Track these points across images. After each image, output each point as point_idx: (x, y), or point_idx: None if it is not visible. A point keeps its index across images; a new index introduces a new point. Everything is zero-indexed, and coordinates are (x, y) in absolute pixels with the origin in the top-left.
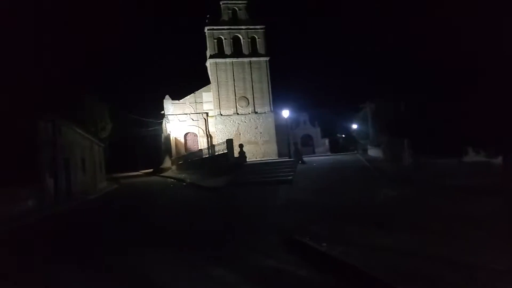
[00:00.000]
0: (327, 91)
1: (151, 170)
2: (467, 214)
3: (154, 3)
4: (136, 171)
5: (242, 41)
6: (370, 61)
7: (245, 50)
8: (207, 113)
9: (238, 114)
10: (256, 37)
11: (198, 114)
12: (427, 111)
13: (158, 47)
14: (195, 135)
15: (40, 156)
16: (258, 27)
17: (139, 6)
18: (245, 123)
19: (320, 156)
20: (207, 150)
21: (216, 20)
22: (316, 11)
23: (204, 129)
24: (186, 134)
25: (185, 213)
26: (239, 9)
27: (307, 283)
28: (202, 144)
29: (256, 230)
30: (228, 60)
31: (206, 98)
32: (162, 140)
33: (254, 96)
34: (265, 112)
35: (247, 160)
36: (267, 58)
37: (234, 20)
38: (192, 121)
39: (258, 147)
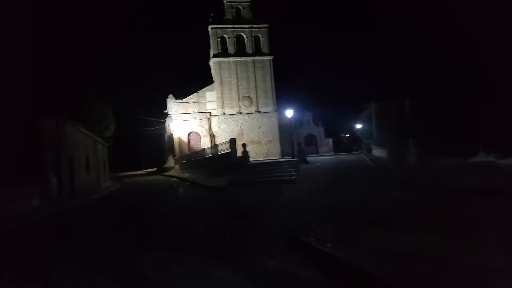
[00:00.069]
0: (331, 90)
1: (155, 169)
2: (474, 216)
3: (157, 2)
4: (139, 170)
5: (245, 40)
6: (374, 60)
7: (249, 49)
8: (210, 113)
9: (241, 113)
10: (260, 36)
11: (201, 114)
12: (432, 111)
13: (161, 46)
14: (198, 134)
15: (44, 156)
16: (262, 26)
17: (142, 5)
18: (248, 123)
19: (324, 156)
20: (210, 150)
21: (219, 19)
22: (319, 10)
23: (207, 128)
24: (189, 134)
25: (187, 213)
26: (243, 8)
27: (311, 284)
28: (205, 143)
29: (260, 231)
30: (231, 59)
31: (210, 98)
32: (165, 139)
33: (258, 95)
34: (268, 112)
35: (250, 159)
36: (271, 57)
37: (238, 19)
38: (195, 121)
39: (262, 147)
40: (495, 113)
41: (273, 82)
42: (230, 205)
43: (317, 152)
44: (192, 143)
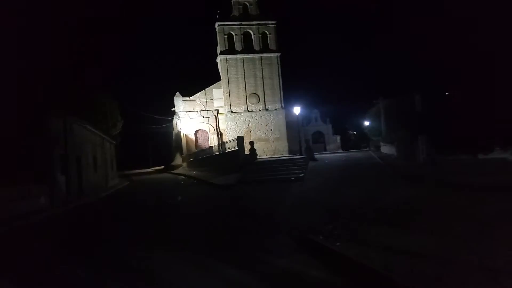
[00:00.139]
0: (339, 87)
1: (162, 167)
2: (485, 214)
3: (165, 1)
4: (147, 168)
5: (253, 36)
6: (382, 56)
7: (256, 46)
8: (217, 110)
9: (248, 111)
10: (267, 33)
11: (208, 111)
12: (445, 106)
13: (169, 44)
14: (206, 132)
15: (51, 154)
16: (269, 22)
17: (151, 3)
18: (255, 120)
19: (332, 153)
20: (217, 147)
21: (226, 15)
22: (327, 6)
23: (215, 126)
24: (196, 131)
25: (195, 211)
26: (250, 5)
27: (319, 283)
28: (213, 141)
29: (268, 229)
30: (238, 56)
31: (217, 95)
32: (173, 137)
33: (265, 92)
34: (276, 109)
35: (258, 157)
36: (278, 54)
37: (245, 15)
38: (202, 118)
39: (269, 144)
40: None
41: (281, 79)
42: (238, 203)
43: (325, 150)
44: (200, 141)
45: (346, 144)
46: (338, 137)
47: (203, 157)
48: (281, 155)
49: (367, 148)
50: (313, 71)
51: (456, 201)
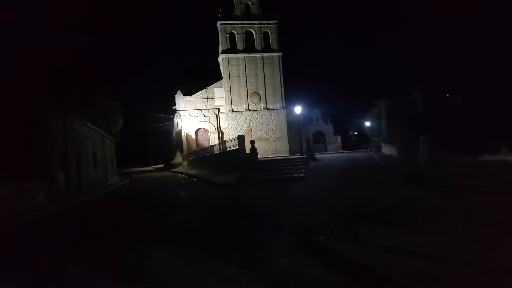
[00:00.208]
0: (340, 87)
1: (162, 165)
2: (486, 215)
3: None
4: (147, 166)
5: (254, 36)
6: (383, 56)
7: (258, 46)
8: (218, 109)
9: (249, 110)
10: (269, 32)
11: (209, 110)
12: (444, 108)
13: (170, 43)
14: (206, 131)
15: (51, 151)
16: (271, 22)
17: (152, 3)
18: (256, 120)
19: (333, 154)
20: (218, 146)
21: (228, 14)
22: (329, 6)
23: (216, 125)
24: (197, 130)
25: (195, 210)
26: (252, 4)
27: (320, 283)
28: (213, 140)
29: (269, 229)
30: (240, 55)
31: (218, 94)
32: (174, 135)
33: (266, 92)
34: (277, 109)
35: (259, 156)
36: (280, 54)
37: (247, 14)
38: (203, 117)
39: (270, 144)
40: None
41: (282, 78)
42: (238, 202)
43: (326, 150)
44: (200, 140)
45: (347, 145)
46: (339, 138)
47: (203, 156)
48: (281, 155)
49: (368, 149)
50: (314, 71)
51: (457, 202)
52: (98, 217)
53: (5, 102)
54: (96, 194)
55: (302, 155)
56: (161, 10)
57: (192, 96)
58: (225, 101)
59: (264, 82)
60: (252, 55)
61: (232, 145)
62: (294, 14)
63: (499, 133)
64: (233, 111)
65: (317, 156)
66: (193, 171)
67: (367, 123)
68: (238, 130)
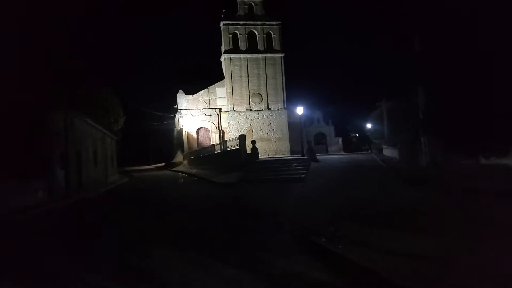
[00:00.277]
0: (341, 88)
1: (163, 164)
2: (489, 218)
3: None
4: (148, 165)
5: (257, 36)
6: (385, 58)
7: (260, 46)
8: (220, 109)
9: (251, 110)
10: (272, 33)
11: (211, 110)
12: (452, 107)
13: (172, 42)
14: (208, 130)
15: (51, 148)
16: (274, 23)
17: (154, 1)
18: (258, 120)
19: (334, 155)
20: (219, 146)
21: (232, 15)
22: (331, 6)
23: (217, 124)
24: (198, 129)
25: (195, 210)
26: (255, 5)
27: (321, 285)
28: (214, 139)
29: (269, 229)
30: (242, 55)
31: (220, 94)
32: (175, 134)
33: (268, 92)
34: (278, 109)
35: (260, 157)
36: (282, 55)
37: (250, 15)
38: (205, 116)
39: (271, 144)
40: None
41: (284, 79)
42: (239, 202)
43: (327, 151)
44: (201, 139)
45: (348, 146)
46: (340, 139)
47: (204, 155)
48: (282, 155)
49: (369, 151)
50: (315, 72)
51: (459, 205)
52: (98, 215)
53: (6, 99)
54: (96, 192)
55: (303, 156)
56: (164, 9)
57: (194, 95)
58: (227, 100)
59: (266, 82)
60: (255, 55)
61: (233, 145)
62: (296, 15)
63: (506, 136)
64: (234, 111)
65: (318, 157)
66: (194, 170)
67: (368, 125)
68: (239, 130)
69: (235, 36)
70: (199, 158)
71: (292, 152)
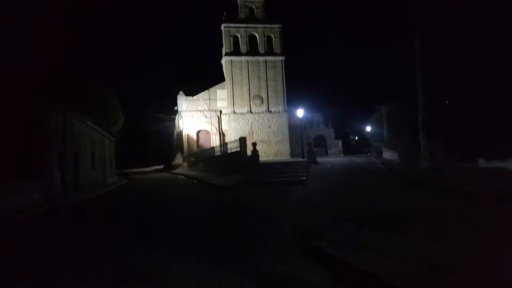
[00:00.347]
0: (341, 91)
1: (162, 166)
2: (492, 221)
3: (171, 0)
4: (147, 167)
5: (258, 39)
6: (385, 61)
7: (261, 49)
8: (220, 111)
9: (251, 112)
10: (273, 36)
11: (211, 111)
12: (447, 113)
13: (172, 43)
14: (208, 132)
15: (49, 149)
16: (274, 26)
17: (156, 3)
18: (258, 122)
19: (334, 158)
20: (219, 148)
21: (233, 17)
22: (331, 8)
23: (217, 126)
24: (198, 131)
25: (195, 213)
26: (256, 8)
27: None
28: (215, 141)
29: (270, 233)
30: (243, 58)
31: (220, 96)
32: (174, 136)
33: (269, 95)
34: (278, 112)
35: (260, 159)
36: (283, 58)
37: (251, 18)
38: (205, 118)
39: (271, 147)
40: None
41: (284, 82)
42: (239, 205)
43: (327, 154)
44: (201, 141)
45: (347, 149)
46: (340, 142)
47: (204, 157)
48: (283, 158)
49: (368, 153)
50: (315, 75)
51: (460, 208)
52: (95, 217)
53: (4, 99)
54: (93, 194)
55: (304, 158)
56: (164, 11)
57: (194, 97)
58: (227, 102)
59: (267, 85)
60: (255, 58)
61: (233, 147)
62: (296, 16)
63: (507, 138)
64: (235, 113)
65: (318, 160)
66: (193, 173)
67: (368, 128)
68: (239, 132)
69: (236, 38)
70: (199, 160)
71: (293, 154)
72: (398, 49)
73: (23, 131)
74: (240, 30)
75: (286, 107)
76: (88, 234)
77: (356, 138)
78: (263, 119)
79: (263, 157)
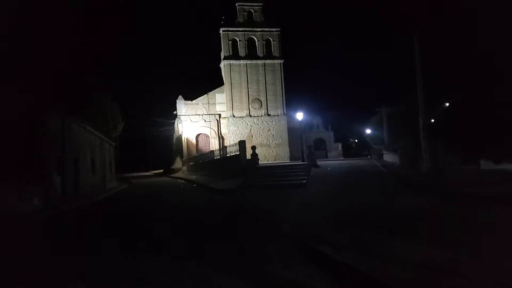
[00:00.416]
0: (341, 94)
1: (162, 170)
2: (492, 224)
3: (170, 4)
4: (146, 171)
5: (257, 43)
6: (385, 59)
7: (260, 52)
8: (219, 115)
9: (251, 116)
10: (271, 40)
11: (210, 115)
12: (448, 115)
13: (172, 48)
14: (207, 136)
15: (48, 154)
16: (273, 29)
17: (156, 7)
18: (257, 126)
19: (334, 161)
20: (218, 152)
21: (231, 21)
22: (334, 13)
23: (216, 130)
24: (197, 135)
25: (195, 218)
26: (255, 11)
27: None
28: (214, 145)
29: (271, 237)
30: (242, 62)
31: (219, 99)
32: (174, 140)
33: (268, 98)
34: (278, 115)
35: (259, 163)
36: (281, 61)
37: (250, 22)
38: (204, 122)
39: (270, 150)
40: None
41: (283, 85)
42: (239, 209)
43: (326, 157)
44: (201, 145)
45: (347, 152)
46: (340, 145)
47: (203, 161)
48: (282, 161)
49: (368, 156)
50: (314, 77)
51: (460, 211)
52: (95, 222)
53: (3, 103)
54: (93, 199)
55: (304, 161)
56: (163, 15)
57: (193, 101)
58: (227, 106)
59: (266, 88)
60: (254, 61)
61: (232, 151)
62: (295, 18)
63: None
64: (234, 116)
65: (318, 163)
66: (193, 177)
67: (368, 131)
68: (239, 135)
69: (234, 42)
70: (199, 164)
71: (292, 158)
72: (398, 50)
73: (21, 136)
74: (238, 34)
75: (285, 111)
76: (88, 239)
77: (356, 141)
78: (262, 122)
79: (262, 161)
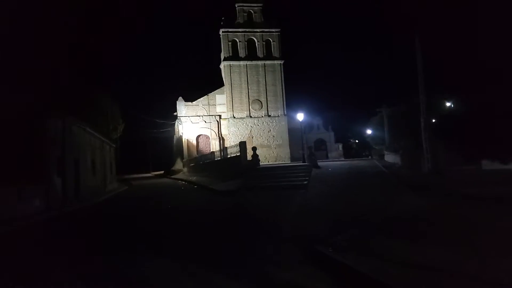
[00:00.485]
0: (341, 94)
1: (162, 172)
2: (492, 225)
3: (169, 5)
4: (147, 173)
5: (256, 44)
6: (385, 60)
7: (260, 53)
8: (220, 116)
9: (251, 117)
10: (271, 40)
11: (211, 116)
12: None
13: (172, 48)
14: (207, 137)
15: (48, 155)
16: (273, 30)
17: (155, 8)
18: (258, 126)
19: (334, 161)
20: (219, 153)
21: (231, 22)
22: (336, 13)
23: (217, 131)
24: (198, 136)
25: (195, 219)
26: (255, 12)
27: None
28: (214, 146)
29: (273, 239)
30: (242, 62)
31: (220, 100)
32: (174, 141)
33: (268, 99)
34: (278, 116)
35: (260, 163)
36: (282, 62)
37: (249, 23)
38: (204, 123)
39: (271, 151)
40: None
41: (283, 86)
42: (240, 211)
43: (327, 157)
44: (201, 146)
45: (348, 153)
46: (340, 145)
47: (204, 162)
48: (283, 162)
49: (369, 157)
50: (315, 78)
51: (461, 212)
52: (95, 224)
53: (2, 104)
54: (94, 201)
55: (304, 162)
56: (163, 16)
57: (193, 102)
58: (227, 107)
59: (266, 89)
60: (254, 62)
61: (233, 152)
62: (295, 18)
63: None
64: (234, 117)
65: (319, 163)
66: (194, 178)
67: (369, 131)
68: (239, 136)
69: (234, 43)
70: (199, 165)
71: (293, 158)
72: (398, 50)
73: (21, 138)
74: (238, 35)
75: (285, 111)
76: (88, 240)
77: (357, 141)
78: (263, 123)
79: (263, 162)
